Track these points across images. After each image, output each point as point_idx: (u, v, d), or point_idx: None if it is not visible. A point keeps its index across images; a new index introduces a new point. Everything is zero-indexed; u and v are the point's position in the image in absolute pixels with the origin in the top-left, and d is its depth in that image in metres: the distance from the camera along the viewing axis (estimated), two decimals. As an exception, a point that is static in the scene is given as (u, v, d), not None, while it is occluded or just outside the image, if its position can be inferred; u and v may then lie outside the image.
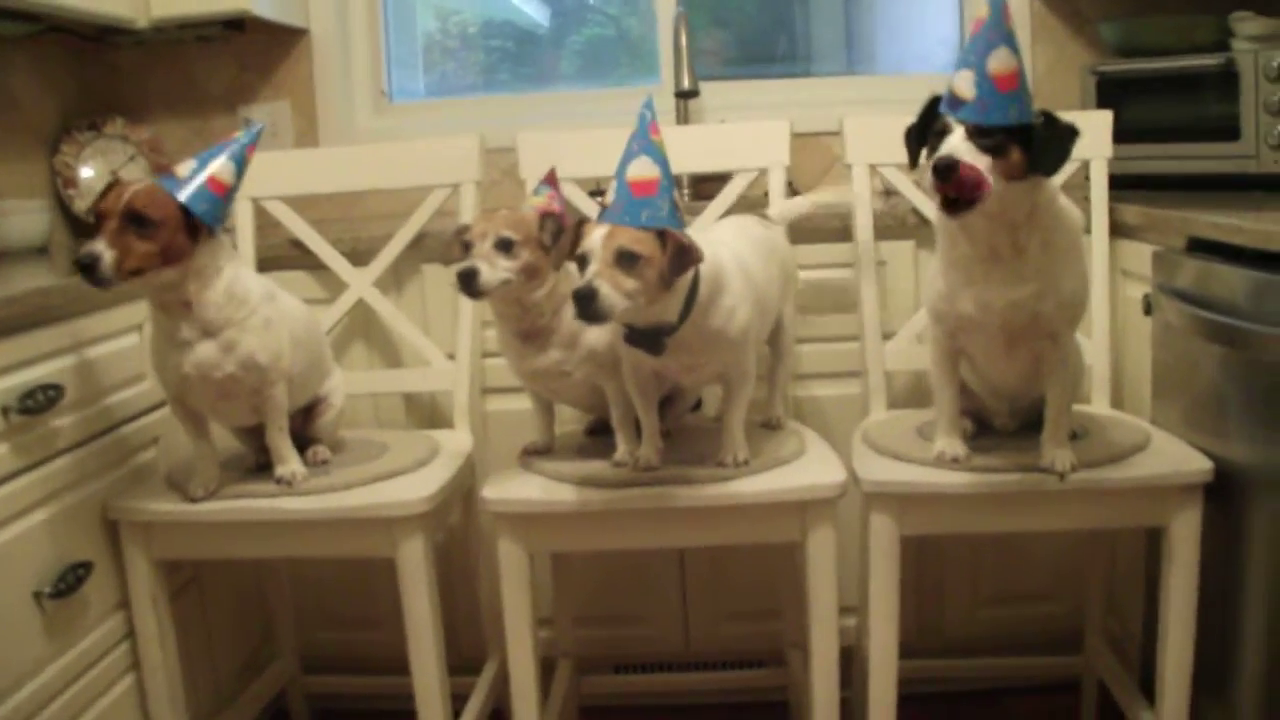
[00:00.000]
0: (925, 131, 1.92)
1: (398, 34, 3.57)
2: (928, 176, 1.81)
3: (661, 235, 1.84)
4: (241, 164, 2.07)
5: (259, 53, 3.37)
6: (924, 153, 1.92)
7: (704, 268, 1.93)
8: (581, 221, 1.91)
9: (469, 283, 1.98)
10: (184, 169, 2.02)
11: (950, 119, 1.83)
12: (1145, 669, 2.41)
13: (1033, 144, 1.85)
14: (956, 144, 1.80)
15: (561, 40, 3.73)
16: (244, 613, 2.71)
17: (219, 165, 2.03)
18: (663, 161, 1.90)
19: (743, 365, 2.09)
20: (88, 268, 1.90)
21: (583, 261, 1.83)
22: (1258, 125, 2.63)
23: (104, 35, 3.19)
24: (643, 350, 1.96)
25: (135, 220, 1.93)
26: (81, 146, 3.18)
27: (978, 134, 1.81)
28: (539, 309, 2.08)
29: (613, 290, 1.79)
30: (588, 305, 1.78)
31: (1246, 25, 2.72)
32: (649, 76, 3.60)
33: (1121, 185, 2.58)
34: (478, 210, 2.55)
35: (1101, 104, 2.86)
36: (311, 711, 2.83)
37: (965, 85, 1.82)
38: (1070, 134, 1.88)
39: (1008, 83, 1.81)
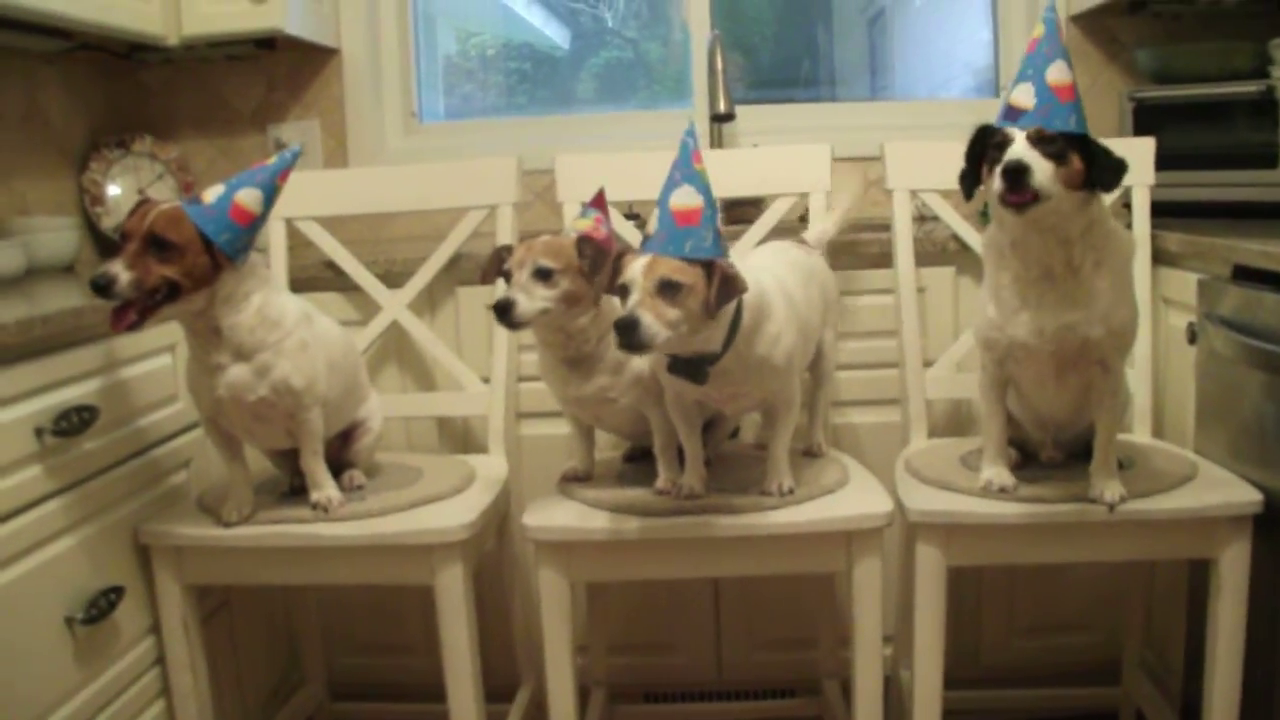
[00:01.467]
0: (977, 166, 1.92)
1: (420, 55, 3.56)
2: (997, 182, 1.81)
3: (707, 265, 1.82)
4: (271, 192, 2.03)
5: (289, 72, 3.36)
6: (982, 178, 1.92)
7: (747, 296, 1.91)
8: (622, 253, 1.89)
9: (506, 314, 1.96)
10: (210, 194, 1.98)
11: (1009, 130, 1.84)
12: (1186, 700, 2.39)
13: (1092, 157, 1.86)
14: (1022, 150, 1.81)
15: (580, 63, 3.72)
16: (273, 638, 2.68)
17: (245, 194, 1.98)
18: (705, 190, 1.87)
19: (787, 392, 2.07)
20: (103, 288, 1.87)
21: (624, 292, 1.81)
22: (1297, 153, 2.62)
23: (134, 53, 3.17)
24: (685, 379, 1.94)
25: (156, 243, 1.90)
26: (110, 164, 3.16)
27: (1040, 141, 1.82)
28: (584, 335, 2.06)
29: (654, 320, 1.76)
30: (629, 335, 1.76)
31: (1286, 52, 2.70)
32: (671, 100, 3.60)
33: (1158, 212, 2.55)
34: (515, 232, 2.53)
35: (1139, 130, 2.85)
36: (339, 739, 2.80)
37: (1025, 96, 1.85)
38: (1122, 165, 1.90)
39: (1067, 94, 1.85)
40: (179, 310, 1.96)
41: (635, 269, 1.81)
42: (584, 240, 2.02)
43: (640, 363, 2.08)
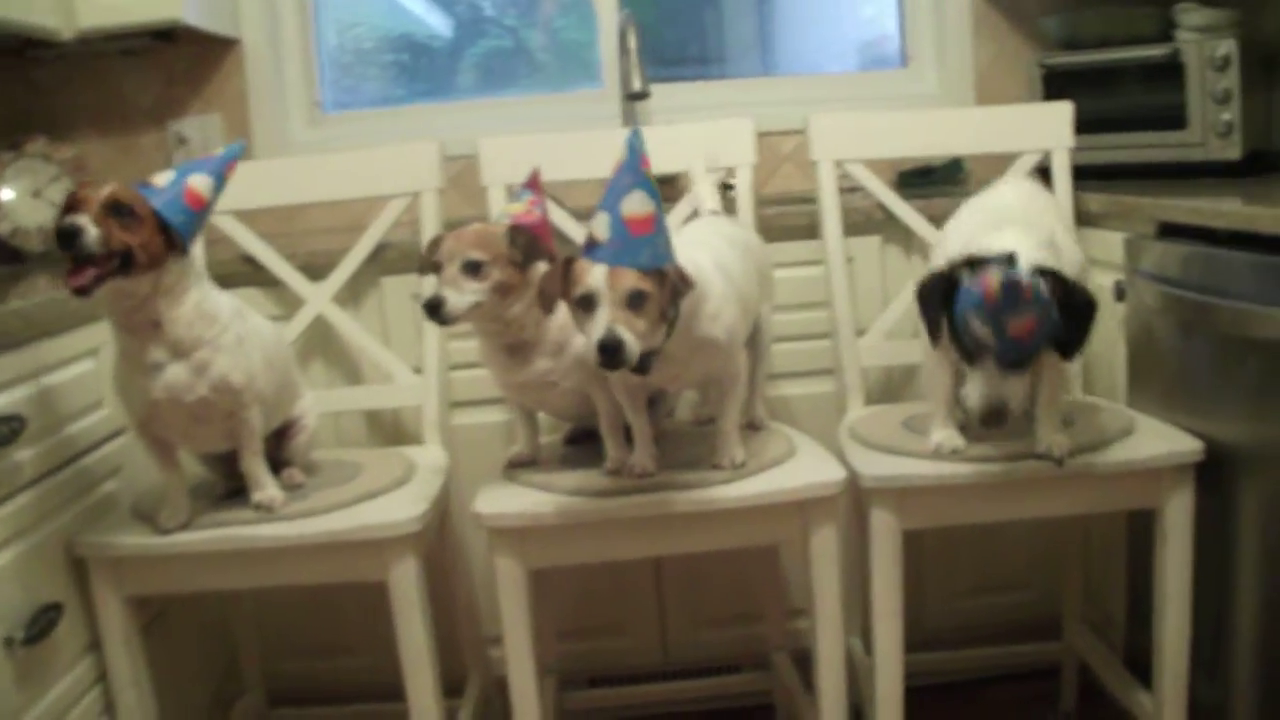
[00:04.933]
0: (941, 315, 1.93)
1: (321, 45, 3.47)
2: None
3: (659, 271, 1.80)
4: (221, 181, 1.98)
5: (188, 65, 3.25)
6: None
7: (686, 269, 1.89)
8: (569, 260, 1.84)
9: (436, 312, 1.92)
10: (161, 179, 1.93)
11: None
12: (1130, 651, 2.44)
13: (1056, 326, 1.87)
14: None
15: (459, 53, 3.66)
16: (210, 647, 2.60)
17: (197, 179, 1.94)
18: (656, 195, 1.82)
19: (732, 367, 2.06)
20: (70, 235, 1.80)
21: (588, 304, 1.77)
22: (1204, 114, 2.69)
23: (25, 49, 3.05)
24: (631, 372, 1.91)
25: (117, 209, 1.85)
26: (2, 167, 3.03)
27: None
28: (520, 323, 2.03)
29: (631, 335, 1.74)
30: (614, 356, 1.73)
31: (1191, 16, 2.77)
32: (555, 86, 3.59)
33: (1072, 175, 2.60)
34: (440, 219, 2.49)
35: (1049, 96, 2.90)
36: (281, 745, 2.73)
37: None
38: (1090, 307, 1.92)
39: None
40: (129, 287, 1.89)
41: (598, 279, 1.76)
42: (515, 229, 1.99)
43: (580, 344, 2.05)
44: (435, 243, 2.02)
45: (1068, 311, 1.86)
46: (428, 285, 2.40)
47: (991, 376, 1.85)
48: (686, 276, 1.82)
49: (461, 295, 1.93)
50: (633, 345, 1.74)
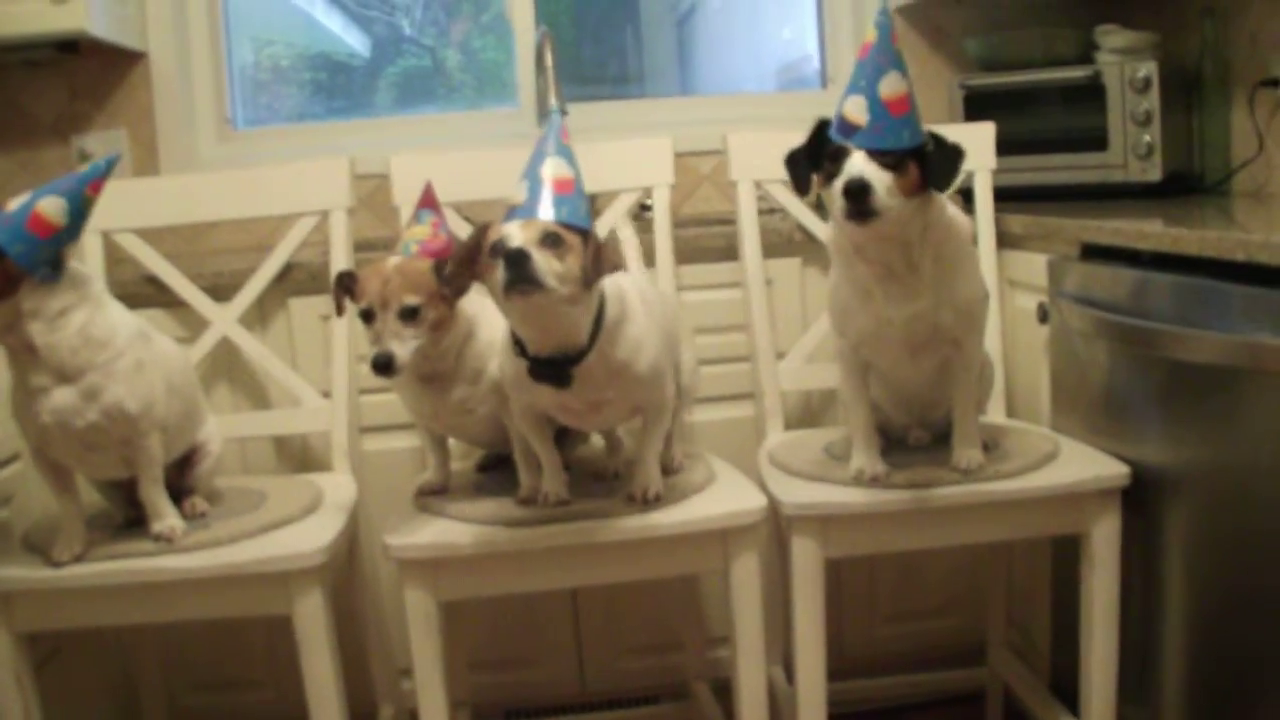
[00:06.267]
0: (815, 156, 1.88)
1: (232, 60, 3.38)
2: (838, 200, 1.79)
3: (583, 233, 1.76)
4: (78, 202, 1.84)
5: (93, 78, 3.13)
6: (815, 178, 1.90)
7: (609, 288, 1.85)
8: (485, 226, 1.79)
9: (387, 369, 1.86)
10: (14, 203, 1.81)
11: (846, 144, 1.81)
12: (1056, 676, 2.42)
13: (926, 162, 1.84)
14: (862, 165, 1.78)
15: (377, 72, 3.60)
16: (109, 682, 2.50)
17: (47, 203, 1.80)
18: (576, 165, 1.82)
19: (658, 395, 1.98)
20: None
21: (497, 250, 1.72)
22: (1125, 135, 2.69)
23: (-82, 59, 2.94)
24: (549, 384, 1.84)
25: None
26: (-106, 183, 2.92)
27: (876, 153, 1.79)
28: (443, 354, 1.97)
29: (544, 261, 1.69)
30: (521, 266, 1.67)
31: (1112, 38, 2.77)
32: (468, 104, 3.55)
33: (994, 197, 2.58)
34: (349, 239, 2.41)
35: (969, 117, 2.89)
36: (186, 783, 2.62)
37: (857, 111, 1.81)
38: (958, 153, 1.88)
39: (899, 106, 1.81)
40: None
41: (510, 227, 1.73)
42: (440, 264, 1.92)
43: (495, 369, 1.99)
44: (347, 279, 1.94)
45: (939, 145, 1.85)
46: (340, 327, 2.34)
47: (855, 163, 1.78)
48: (615, 251, 1.79)
49: (405, 345, 1.87)
50: (542, 265, 1.68)
